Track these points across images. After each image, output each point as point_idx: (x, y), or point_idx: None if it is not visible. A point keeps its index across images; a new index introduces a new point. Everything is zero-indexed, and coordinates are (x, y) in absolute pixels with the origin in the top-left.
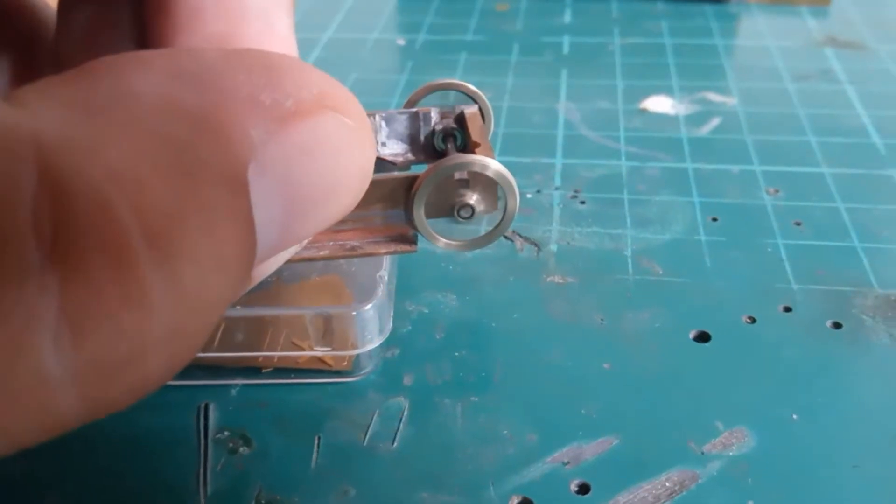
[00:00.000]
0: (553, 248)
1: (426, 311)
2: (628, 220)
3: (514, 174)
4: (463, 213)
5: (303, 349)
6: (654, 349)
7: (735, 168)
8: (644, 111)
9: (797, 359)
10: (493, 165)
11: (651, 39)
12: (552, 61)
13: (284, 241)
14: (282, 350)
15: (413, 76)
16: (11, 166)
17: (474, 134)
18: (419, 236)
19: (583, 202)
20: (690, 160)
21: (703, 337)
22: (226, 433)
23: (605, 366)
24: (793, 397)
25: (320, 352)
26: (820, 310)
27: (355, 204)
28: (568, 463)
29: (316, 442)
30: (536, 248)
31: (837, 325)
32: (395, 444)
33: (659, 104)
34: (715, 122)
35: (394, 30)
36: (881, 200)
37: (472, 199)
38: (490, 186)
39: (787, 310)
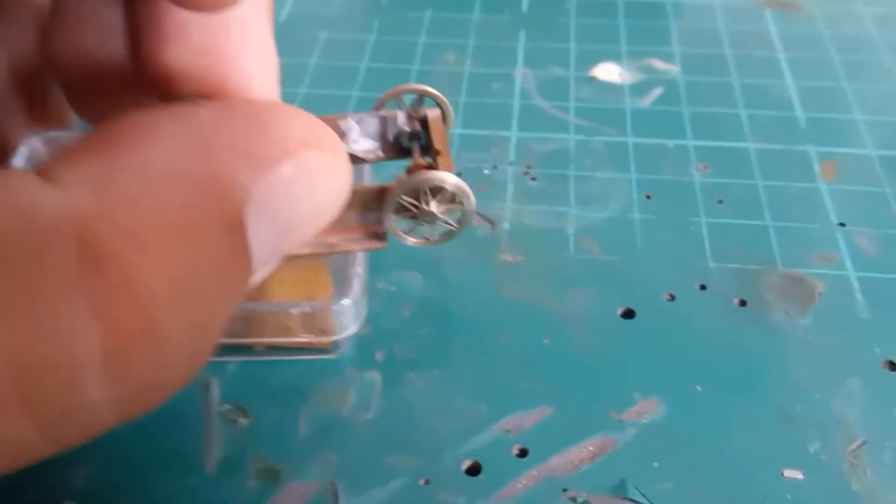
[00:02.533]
0: (506, 226)
1: (394, 289)
2: (572, 199)
3: (473, 148)
4: (426, 218)
5: (289, 336)
6: (587, 326)
7: (671, 143)
8: (593, 79)
9: (706, 335)
10: (450, 180)
11: None
12: (511, 20)
13: (275, 258)
14: (271, 336)
15: (381, 36)
16: (58, 244)
17: (436, 140)
18: (389, 234)
19: (534, 178)
20: (632, 134)
21: (628, 314)
22: (226, 406)
23: (545, 341)
24: (699, 371)
25: (304, 339)
26: (730, 288)
27: (334, 218)
28: (510, 430)
29: (302, 413)
30: (491, 226)
31: (743, 303)
32: (370, 414)
33: (607, 72)
34: (657, 91)
35: None
36: (795, 177)
37: (433, 206)
38: (449, 195)
39: (703, 287)
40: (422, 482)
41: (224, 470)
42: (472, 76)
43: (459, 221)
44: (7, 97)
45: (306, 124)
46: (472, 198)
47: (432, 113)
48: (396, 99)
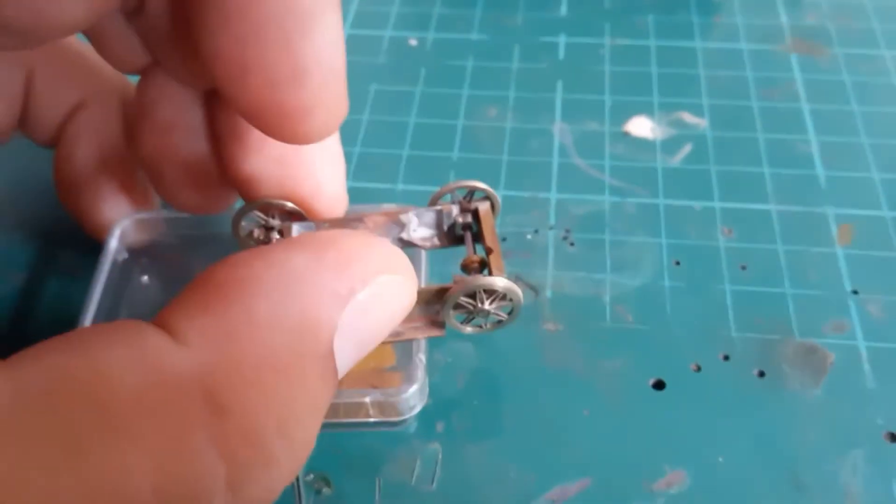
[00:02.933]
0: (548, 293)
1: (450, 360)
2: (608, 265)
3: (515, 211)
4: (480, 318)
5: (364, 417)
6: (622, 396)
7: (698, 205)
8: (627, 135)
9: (728, 406)
10: (501, 283)
11: (638, 41)
12: (548, 69)
13: (354, 364)
14: (346, 417)
15: (427, 88)
16: (189, 398)
17: (487, 236)
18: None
19: (572, 244)
20: (662, 195)
21: (659, 385)
22: (311, 476)
23: (585, 412)
24: (721, 442)
25: (375, 420)
26: (751, 358)
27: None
28: (556, 501)
29: (377, 483)
30: (535, 294)
31: (762, 374)
32: (434, 485)
33: (640, 127)
34: (686, 148)
35: (404, 25)
36: (814, 241)
37: (487, 304)
38: (501, 294)
39: (726, 358)
40: None
41: None
42: (512, 132)
43: (510, 313)
44: (98, 181)
45: (379, 253)
46: (521, 295)
47: (483, 206)
48: (451, 193)
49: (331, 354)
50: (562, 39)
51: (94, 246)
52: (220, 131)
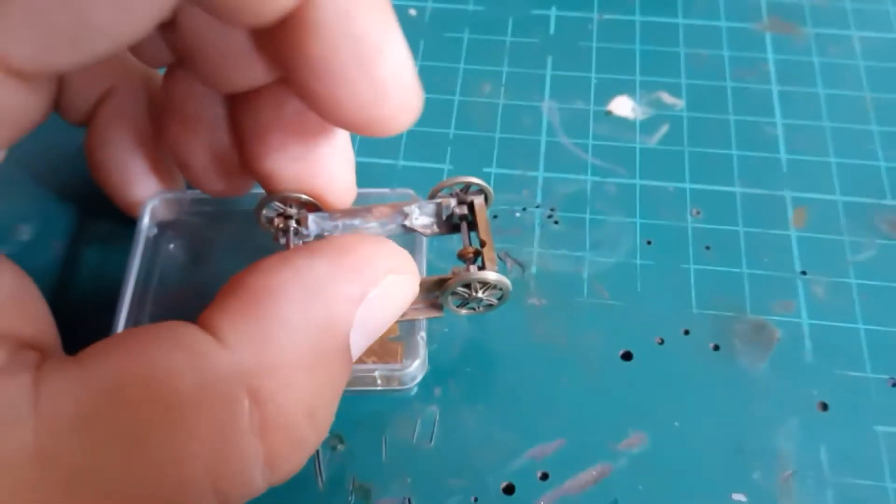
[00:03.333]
0: (533, 270)
1: (447, 330)
2: (588, 243)
3: (506, 189)
4: (474, 303)
5: (373, 385)
6: (595, 366)
7: (671, 186)
8: (609, 114)
9: (685, 377)
10: (493, 277)
11: (625, 16)
12: (539, 44)
13: (364, 349)
14: (357, 386)
15: (426, 62)
16: (234, 394)
17: (482, 229)
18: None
19: (556, 222)
20: (639, 175)
21: (627, 356)
22: (328, 434)
23: (563, 381)
24: (678, 408)
25: (383, 389)
26: (708, 333)
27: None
28: (535, 458)
29: (383, 441)
30: (522, 270)
31: (717, 348)
32: (432, 442)
33: (622, 107)
34: (664, 129)
35: None
36: (771, 224)
37: (480, 293)
38: (493, 285)
39: (687, 333)
40: (472, 499)
41: (330, 488)
42: (505, 108)
43: (500, 299)
44: (128, 162)
45: (388, 255)
46: (510, 284)
47: (478, 200)
48: (449, 187)
49: (348, 347)
50: (553, 12)
51: (124, 216)
52: (241, 130)
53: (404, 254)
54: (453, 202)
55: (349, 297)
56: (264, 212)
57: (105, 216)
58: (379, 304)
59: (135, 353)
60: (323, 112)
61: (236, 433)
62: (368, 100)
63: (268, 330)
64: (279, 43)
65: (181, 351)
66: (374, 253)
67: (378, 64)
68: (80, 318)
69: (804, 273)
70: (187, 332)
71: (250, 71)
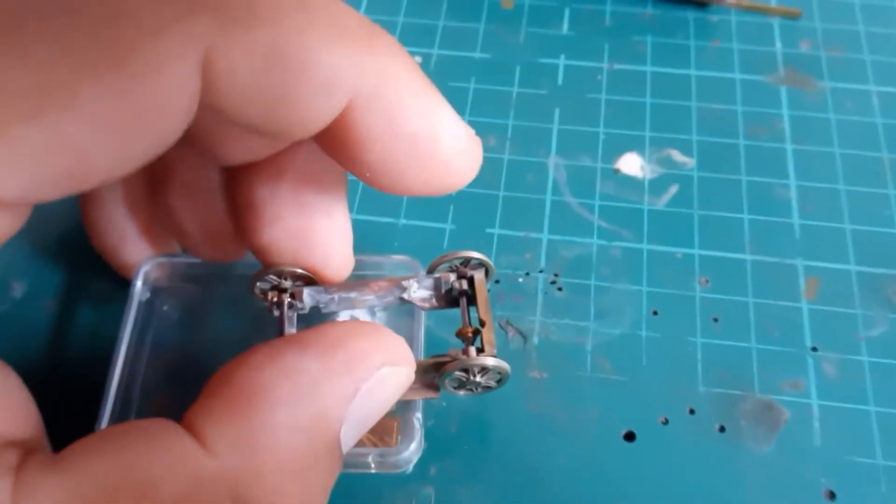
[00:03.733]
0: (535, 340)
1: (444, 404)
2: (592, 312)
3: (509, 251)
4: (470, 385)
5: (366, 469)
6: (596, 446)
7: (679, 252)
8: (617, 172)
9: (690, 460)
10: (491, 363)
11: (635, 66)
12: (547, 95)
13: (356, 441)
14: (349, 468)
15: None
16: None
17: (481, 308)
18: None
19: (560, 289)
20: (647, 240)
21: (630, 436)
22: None
23: (562, 461)
24: (682, 494)
25: (375, 471)
26: (714, 413)
27: None
28: None
29: None
30: (523, 340)
31: (722, 429)
32: None
33: (630, 165)
34: (673, 189)
35: (410, 39)
36: (782, 295)
37: (478, 376)
38: (491, 370)
39: (692, 412)
40: None
41: None
42: (510, 164)
43: (498, 381)
44: (123, 225)
45: (382, 348)
46: (509, 370)
47: (478, 275)
48: (450, 261)
49: (338, 444)
50: (561, 61)
51: (120, 280)
52: (237, 202)
53: (400, 343)
54: (452, 277)
55: (341, 395)
56: (258, 284)
57: (100, 274)
58: (371, 398)
59: (119, 458)
60: (384, 189)
61: None
62: (433, 178)
63: (255, 435)
64: (322, 141)
65: (165, 457)
66: (368, 347)
67: (436, 150)
68: (72, 379)
69: (815, 349)
70: (173, 435)
71: (248, 146)
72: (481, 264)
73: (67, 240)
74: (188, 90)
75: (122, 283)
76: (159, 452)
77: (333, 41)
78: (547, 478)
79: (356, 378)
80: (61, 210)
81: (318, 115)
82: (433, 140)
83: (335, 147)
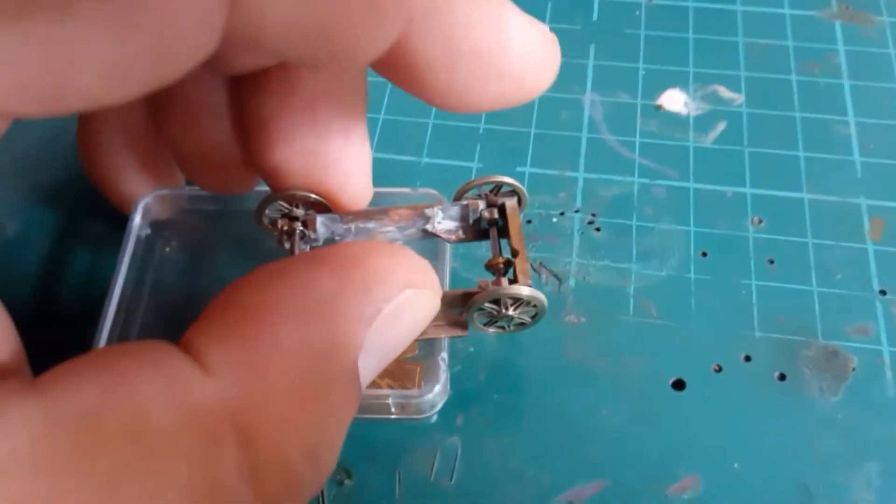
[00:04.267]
0: (571, 282)
1: (472, 349)
2: (634, 253)
3: (542, 191)
4: (503, 321)
5: (387, 414)
6: (641, 396)
7: (729, 190)
8: (659, 109)
9: (746, 410)
10: (525, 292)
11: (676, 1)
12: (582, 31)
13: (376, 375)
14: (369, 413)
15: None
16: (217, 434)
17: (514, 236)
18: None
19: (598, 229)
20: (693, 178)
21: (679, 384)
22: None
23: (604, 411)
24: (737, 447)
25: (398, 417)
26: (772, 360)
27: None
28: (572, 502)
29: (397, 476)
30: (558, 283)
31: (783, 377)
32: (453, 480)
33: (673, 101)
34: (720, 127)
35: None
36: (844, 236)
37: (511, 310)
38: (525, 301)
39: (748, 359)
40: None
41: None
42: (541, 101)
43: (533, 317)
44: (123, 154)
45: (405, 268)
46: (545, 301)
47: (510, 202)
48: (478, 187)
49: (356, 373)
50: None
51: (119, 215)
52: (245, 119)
53: (424, 265)
54: (482, 205)
55: (359, 316)
56: (267, 212)
57: (98, 214)
58: (393, 324)
59: (107, 382)
60: (455, 110)
61: (220, 476)
62: (507, 91)
63: (259, 355)
64: (377, 66)
65: (158, 379)
66: (389, 265)
67: (507, 62)
68: (65, 326)
69: (883, 293)
70: (166, 356)
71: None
72: (513, 192)
73: (63, 177)
74: (209, 21)
75: (121, 224)
76: (151, 374)
77: None
78: (586, 431)
79: (376, 298)
80: (57, 146)
81: (369, 47)
82: (502, 52)
83: (392, 72)
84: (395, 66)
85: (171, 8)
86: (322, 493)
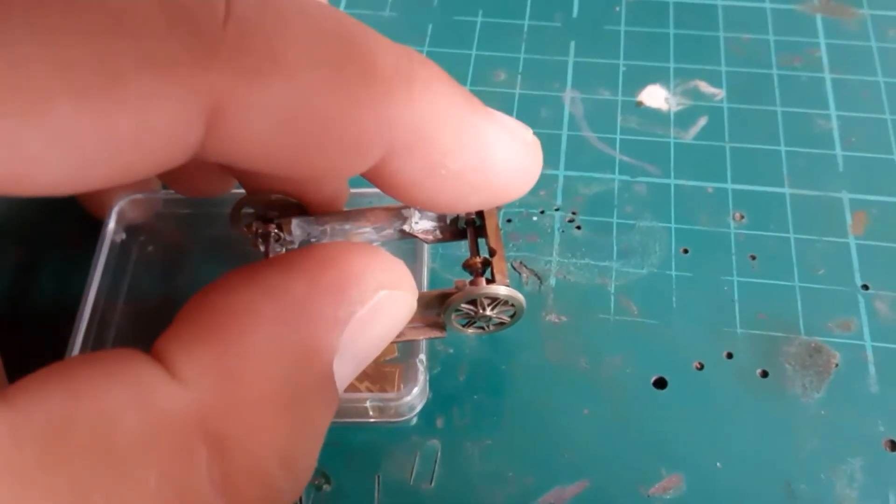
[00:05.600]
0: (552, 282)
1: (451, 350)
2: (615, 251)
3: None
4: (482, 321)
5: (365, 417)
6: (623, 395)
7: (710, 186)
8: (640, 105)
9: (729, 408)
10: (503, 292)
11: None
12: (561, 28)
13: (353, 378)
14: (346, 417)
15: (433, 48)
16: (188, 442)
17: (491, 235)
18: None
19: (579, 227)
20: (674, 174)
21: (660, 383)
22: None
23: (585, 411)
24: (720, 445)
25: (376, 420)
26: (754, 357)
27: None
28: (553, 503)
29: (376, 481)
30: (539, 282)
31: (765, 374)
32: (432, 484)
33: (654, 97)
34: (701, 122)
35: None
36: (826, 230)
37: (489, 310)
38: (503, 301)
39: (730, 356)
40: None
41: None
42: (522, 99)
43: (512, 316)
44: None
45: (379, 269)
46: (523, 301)
47: None
48: None
49: (331, 377)
50: None
51: (93, 220)
52: None
53: (400, 265)
54: None
55: (332, 319)
56: (242, 213)
57: (72, 220)
58: (368, 326)
59: (70, 391)
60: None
61: (192, 489)
62: (491, 199)
63: (231, 360)
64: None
65: (127, 387)
66: (363, 266)
67: (489, 177)
68: (39, 334)
69: (866, 287)
70: (135, 364)
71: None
72: None
73: None
74: (183, 142)
75: (95, 229)
76: (118, 383)
77: (363, 96)
78: (567, 431)
79: (350, 300)
80: None
81: (346, 171)
82: (484, 170)
83: (376, 183)
84: (377, 180)
85: (145, 121)
86: (300, 499)
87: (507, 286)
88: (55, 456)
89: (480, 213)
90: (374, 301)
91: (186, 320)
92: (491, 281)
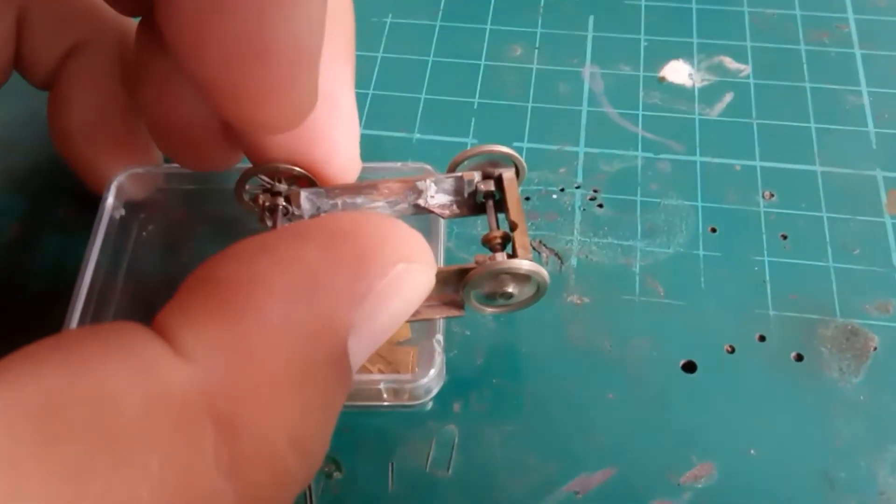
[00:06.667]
0: (573, 262)
1: (468, 333)
2: (639, 229)
3: (541, 166)
4: (502, 299)
5: (378, 400)
6: (650, 379)
7: (738, 164)
8: (663, 81)
9: (762, 393)
10: (525, 266)
11: None
12: (580, 2)
13: (367, 357)
14: (359, 400)
15: (446, 22)
16: (194, 423)
17: (512, 208)
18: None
19: (600, 205)
20: (700, 151)
21: (689, 367)
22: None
23: (610, 396)
24: (753, 432)
25: (390, 404)
26: (788, 340)
27: None
28: (578, 492)
29: (390, 468)
30: (560, 262)
31: (800, 357)
32: (450, 471)
33: (677, 73)
34: (727, 98)
35: None
36: (860, 209)
37: (510, 286)
38: (524, 276)
39: (762, 339)
40: None
41: None
42: (539, 74)
43: (534, 294)
44: (96, 129)
45: (398, 241)
46: (547, 277)
47: (507, 173)
48: (473, 158)
49: (346, 355)
50: None
51: (93, 196)
52: None
53: (418, 237)
54: (477, 177)
55: (349, 294)
56: (247, 186)
57: (70, 196)
58: (386, 302)
59: (73, 369)
60: (180, 49)
61: (197, 472)
62: (245, 53)
63: (240, 336)
64: None
65: (129, 364)
66: (381, 237)
67: (278, 6)
68: (35, 312)
69: None
70: (136, 339)
71: None
72: (511, 163)
73: (33, 157)
74: None
75: (94, 206)
76: (119, 358)
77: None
78: (591, 417)
79: (367, 274)
80: (26, 124)
81: None
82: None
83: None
84: None
85: None
86: (309, 487)
87: (531, 261)
88: (50, 436)
89: (500, 185)
90: (393, 275)
91: (192, 292)
92: (512, 256)
